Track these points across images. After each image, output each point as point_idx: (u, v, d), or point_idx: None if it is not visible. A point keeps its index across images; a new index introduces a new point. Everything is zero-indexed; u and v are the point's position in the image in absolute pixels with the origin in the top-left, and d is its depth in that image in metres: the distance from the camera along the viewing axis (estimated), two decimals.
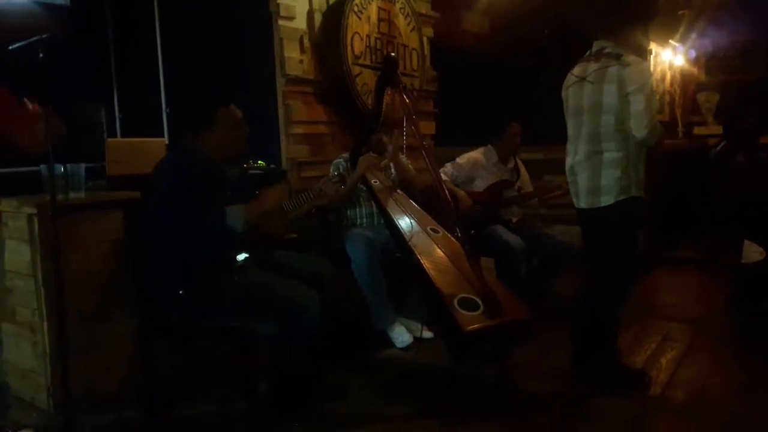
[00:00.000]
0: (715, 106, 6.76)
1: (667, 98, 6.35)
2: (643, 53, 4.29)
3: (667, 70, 6.31)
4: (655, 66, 5.83)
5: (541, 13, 5.13)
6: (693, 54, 6.75)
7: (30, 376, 2.62)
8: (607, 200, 2.57)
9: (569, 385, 2.72)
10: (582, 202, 2.68)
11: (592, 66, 2.57)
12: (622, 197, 2.55)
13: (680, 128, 6.62)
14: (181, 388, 2.66)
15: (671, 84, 6.44)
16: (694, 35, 6.38)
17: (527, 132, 3.80)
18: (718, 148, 5.05)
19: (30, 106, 2.08)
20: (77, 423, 2.30)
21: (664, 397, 2.63)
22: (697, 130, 6.76)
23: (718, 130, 6.51)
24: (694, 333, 3.40)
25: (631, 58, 2.49)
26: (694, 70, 6.90)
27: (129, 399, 2.55)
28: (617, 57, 2.50)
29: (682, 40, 6.35)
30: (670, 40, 6.18)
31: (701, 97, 6.83)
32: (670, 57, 6.31)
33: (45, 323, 2.52)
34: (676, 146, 6.03)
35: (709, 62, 6.94)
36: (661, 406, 2.56)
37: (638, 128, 2.46)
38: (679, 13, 6.01)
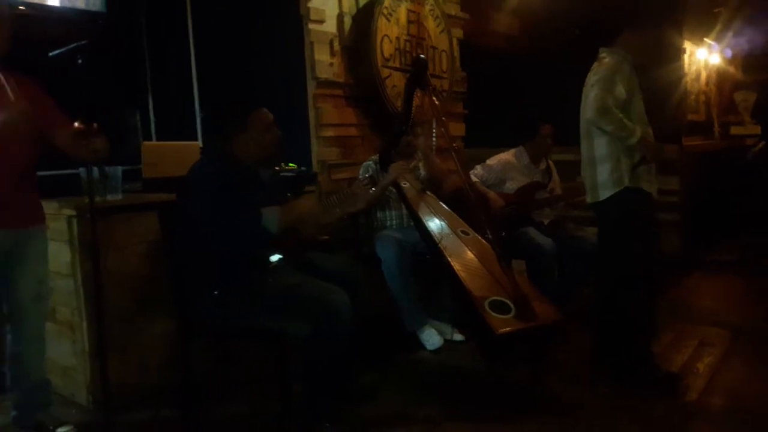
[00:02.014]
0: (752, 106, 6.61)
1: (703, 98, 6.23)
2: (660, 57, 4.40)
3: (702, 69, 6.18)
4: (689, 65, 5.72)
5: (571, 13, 5.07)
6: (729, 53, 6.60)
7: (70, 374, 2.70)
8: (604, 194, 2.74)
9: (603, 388, 2.69)
10: (588, 197, 2.85)
11: (591, 71, 2.81)
12: (617, 189, 2.69)
13: (716, 128, 6.48)
14: (215, 388, 2.70)
15: (707, 83, 6.31)
16: (730, 33, 6.24)
17: (559, 133, 3.76)
18: (756, 149, 4.94)
19: (76, 124, 2.14)
20: (115, 420, 2.35)
21: (701, 403, 2.58)
22: (734, 130, 6.61)
23: (755, 129, 6.36)
24: (732, 338, 3.32)
25: (605, 60, 2.72)
26: (731, 68, 6.76)
27: (165, 397, 2.60)
28: (599, 61, 2.76)
29: (718, 39, 6.21)
30: (706, 39, 6.05)
31: (738, 96, 6.68)
32: (705, 56, 6.18)
33: (84, 322, 2.59)
34: (712, 147, 5.91)
35: (746, 60, 6.79)
36: (697, 412, 2.51)
37: (588, 110, 2.64)
38: (715, 11, 5.89)
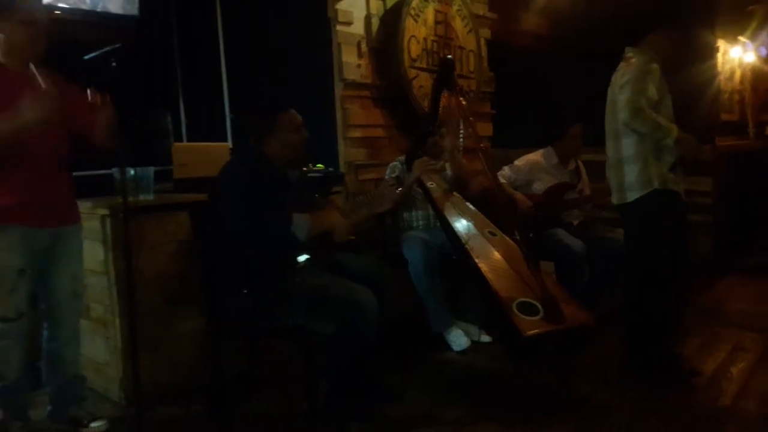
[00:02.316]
0: None
1: (737, 97, 6.09)
2: (686, 59, 4.39)
3: (737, 67, 6.04)
4: (723, 63, 5.60)
5: (600, 12, 5.01)
6: (764, 51, 6.45)
7: (103, 370, 2.76)
8: (632, 195, 2.71)
9: (632, 391, 2.65)
10: (614, 199, 2.81)
11: (618, 71, 2.78)
12: (646, 191, 2.66)
13: (751, 128, 6.33)
14: (244, 386, 2.73)
15: (741, 82, 6.17)
16: (765, 32, 6.09)
17: (589, 133, 3.70)
18: None
19: (90, 96, 2.19)
20: (147, 416, 2.40)
21: (734, 407, 2.53)
22: None
23: None
24: (767, 343, 3.24)
25: (632, 60, 2.68)
26: (766, 67, 6.59)
27: (195, 394, 2.65)
28: (626, 60, 2.73)
29: (753, 37, 6.07)
30: (740, 37, 5.92)
31: None
32: (739, 54, 6.04)
33: (117, 320, 2.65)
34: (746, 147, 5.78)
35: None
36: (731, 416, 2.46)
37: (621, 111, 2.61)
38: (749, 8, 5.76)
